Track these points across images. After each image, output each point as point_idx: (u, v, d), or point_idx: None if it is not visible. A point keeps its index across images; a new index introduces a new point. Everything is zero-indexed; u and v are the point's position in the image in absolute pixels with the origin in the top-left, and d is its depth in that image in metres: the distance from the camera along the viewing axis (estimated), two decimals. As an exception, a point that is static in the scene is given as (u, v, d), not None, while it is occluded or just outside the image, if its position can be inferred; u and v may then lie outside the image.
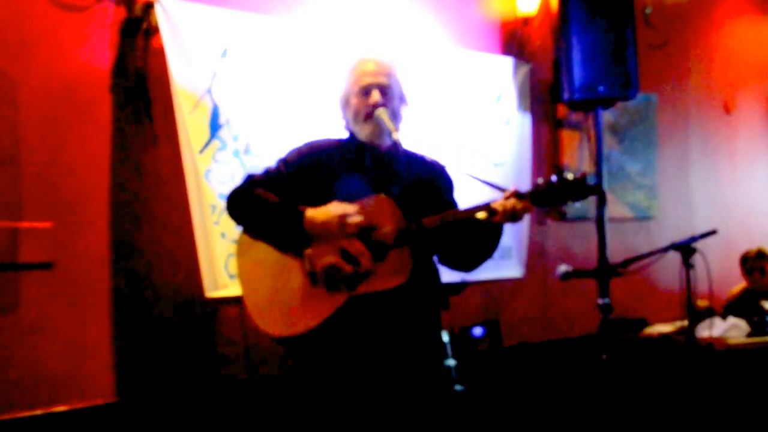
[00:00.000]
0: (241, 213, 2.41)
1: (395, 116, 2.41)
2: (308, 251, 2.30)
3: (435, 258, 2.50)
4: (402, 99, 2.47)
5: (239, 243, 2.41)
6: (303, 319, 2.27)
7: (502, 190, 2.26)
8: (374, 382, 2.29)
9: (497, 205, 2.23)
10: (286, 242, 2.33)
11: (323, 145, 2.49)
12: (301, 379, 2.42)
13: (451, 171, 2.55)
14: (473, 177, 2.38)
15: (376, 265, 2.26)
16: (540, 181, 2.25)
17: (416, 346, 2.34)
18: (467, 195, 2.56)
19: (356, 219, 2.25)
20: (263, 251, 2.36)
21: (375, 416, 2.29)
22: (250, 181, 2.42)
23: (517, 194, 2.23)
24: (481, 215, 2.24)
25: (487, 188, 2.31)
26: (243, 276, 2.38)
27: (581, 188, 2.22)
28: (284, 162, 2.44)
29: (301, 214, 2.28)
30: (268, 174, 2.42)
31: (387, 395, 2.30)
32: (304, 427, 2.39)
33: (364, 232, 2.28)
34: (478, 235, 2.35)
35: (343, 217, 2.25)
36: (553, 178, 2.22)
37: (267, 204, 2.34)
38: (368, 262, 2.25)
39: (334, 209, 2.27)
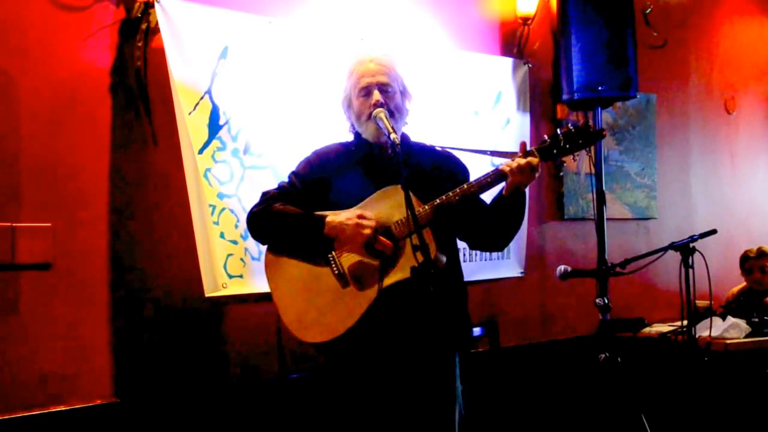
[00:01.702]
0: (262, 230, 2.46)
1: (399, 111, 2.44)
2: (333, 254, 2.35)
3: (455, 243, 2.54)
4: (404, 93, 2.50)
5: (266, 264, 2.45)
6: (340, 321, 2.30)
7: (510, 155, 2.35)
8: (407, 369, 2.34)
9: (505, 167, 2.31)
10: (308, 248, 2.37)
11: (331, 150, 2.55)
12: (341, 376, 2.44)
13: (461, 157, 2.58)
14: (478, 152, 2.45)
15: (398, 255, 2.29)
16: (545, 136, 2.35)
17: (439, 333, 2.36)
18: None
19: (371, 220, 2.29)
20: (292, 267, 2.40)
21: (406, 404, 2.34)
22: (266, 198, 2.46)
23: (525, 151, 2.33)
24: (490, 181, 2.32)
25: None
26: (276, 295, 2.41)
27: (586, 134, 2.33)
28: (296, 174, 2.51)
29: (322, 219, 2.34)
30: (282, 189, 2.48)
31: (416, 381, 2.34)
32: (345, 419, 2.42)
33: (381, 225, 2.32)
34: (501, 208, 2.39)
35: (361, 217, 2.29)
36: (558, 131, 2.34)
37: (286, 216, 2.39)
38: (392, 252, 2.29)
39: (352, 211, 2.32)
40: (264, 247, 2.50)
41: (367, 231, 2.27)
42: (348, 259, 2.34)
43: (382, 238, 2.29)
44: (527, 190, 2.42)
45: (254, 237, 2.52)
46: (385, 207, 2.34)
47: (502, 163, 2.35)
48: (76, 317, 2.93)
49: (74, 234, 2.93)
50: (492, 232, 2.48)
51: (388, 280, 2.28)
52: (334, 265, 2.33)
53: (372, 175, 2.43)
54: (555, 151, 2.33)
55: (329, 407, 2.44)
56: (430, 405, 2.34)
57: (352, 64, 2.50)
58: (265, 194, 2.49)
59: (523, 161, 2.29)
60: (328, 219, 2.33)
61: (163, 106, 3.08)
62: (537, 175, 2.33)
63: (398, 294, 2.29)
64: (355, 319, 2.28)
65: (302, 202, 2.43)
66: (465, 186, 2.32)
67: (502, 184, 2.35)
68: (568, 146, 2.32)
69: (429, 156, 2.50)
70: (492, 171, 2.32)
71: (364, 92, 2.43)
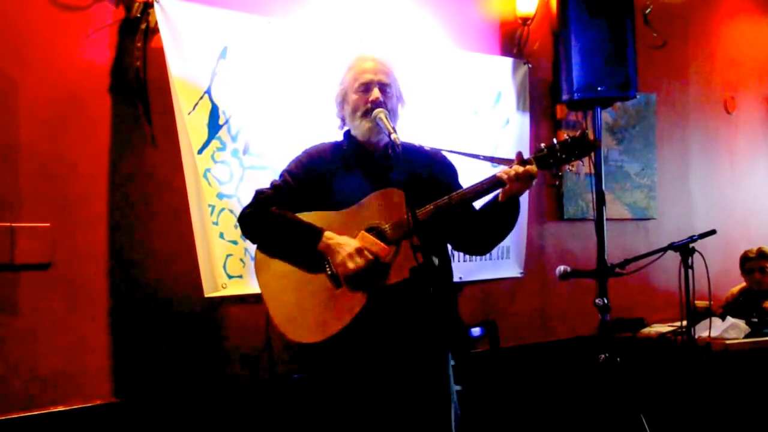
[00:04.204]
0: (257, 232, 2.45)
1: (393, 115, 2.44)
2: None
3: (447, 245, 2.54)
4: (399, 98, 2.52)
5: (257, 260, 2.44)
6: (332, 321, 2.30)
7: (506, 161, 2.36)
8: (400, 370, 2.33)
9: (502, 174, 2.30)
10: (302, 257, 2.36)
11: (321, 150, 2.54)
12: (331, 378, 2.42)
13: (452, 158, 2.59)
14: (474, 156, 2.46)
15: (393, 257, 2.30)
16: (542, 145, 2.36)
17: (433, 334, 2.36)
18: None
19: (362, 258, 2.27)
20: (283, 266, 2.39)
21: (399, 406, 2.33)
22: (261, 198, 2.45)
23: (521, 160, 2.32)
24: (488, 189, 2.32)
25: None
26: (266, 292, 2.40)
27: (582, 144, 2.33)
28: (288, 173, 2.50)
29: (319, 233, 2.32)
30: (276, 188, 2.47)
31: (410, 382, 2.33)
32: (333, 421, 2.40)
33: (374, 227, 2.33)
34: (495, 213, 2.39)
35: (360, 250, 2.28)
36: (554, 140, 2.35)
37: (284, 222, 2.38)
38: (387, 255, 2.29)
39: (353, 242, 2.30)
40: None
41: (351, 266, 2.27)
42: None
43: (378, 241, 2.29)
44: (526, 192, 2.42)
45: (247, 237, 2.51)
46: (380, 208, 2.34)
47: (499, 168, 2.36)
48: (75, 317, 2.93)
49: (74, 234, 2.93)
50: (482, 236, 2.48)
51: (381, 283, 2.29)
52: (328, 266, 2.33)
53: (363, 175, 2.44)
54: (551, 160, 2.34)
55: (321, 409, 2.42)
56: (423, 406, 2.34)
57: (351, 60, 2.52)
58: (258, 193, 2.48)
59: (521, 169, 2.29)
60: (325, 235, 2.32)
61: (163, 106, 3.08)
62: (534, 183, 2.33)
63: (391, 296, 2.29)
64: (348, 320, 2.28)
65: (296, 201, 2.42)
66: (462, 191, 2.32)
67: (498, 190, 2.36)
68: (564, 156, 2.33)
69: (419, 157, 2.50)
70: (489, 177, 2.33)
71: (363, 87, 2.44)
